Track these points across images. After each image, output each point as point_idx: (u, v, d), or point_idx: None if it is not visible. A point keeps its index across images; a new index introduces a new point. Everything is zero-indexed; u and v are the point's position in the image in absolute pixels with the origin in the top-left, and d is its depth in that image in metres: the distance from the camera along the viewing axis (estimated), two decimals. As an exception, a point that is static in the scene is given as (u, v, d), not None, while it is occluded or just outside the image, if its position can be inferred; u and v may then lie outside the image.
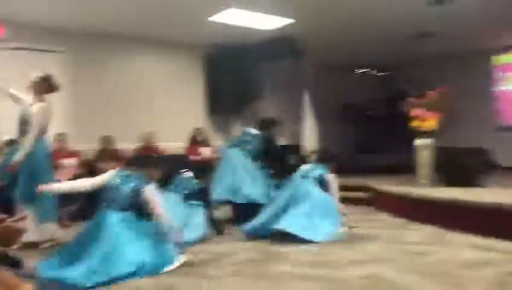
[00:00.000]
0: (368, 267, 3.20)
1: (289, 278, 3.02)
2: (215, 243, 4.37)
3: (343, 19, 7.34)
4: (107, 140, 7.15)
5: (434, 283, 2.78)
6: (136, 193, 3.64)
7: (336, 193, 4.76)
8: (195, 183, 4.94)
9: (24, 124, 4.63)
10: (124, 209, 3.60)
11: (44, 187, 3.95)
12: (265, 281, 2.98)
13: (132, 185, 3.68)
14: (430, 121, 5.97)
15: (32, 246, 4.45)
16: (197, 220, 4.57)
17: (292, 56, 8.09)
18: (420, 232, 4.44)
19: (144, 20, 7.03)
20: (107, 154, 7.02)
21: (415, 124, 6.05)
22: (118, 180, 3.73)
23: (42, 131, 4.65)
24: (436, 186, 5.79)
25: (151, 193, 3.68)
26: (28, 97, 4.76)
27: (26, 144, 4.47)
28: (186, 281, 3.09)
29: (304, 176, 4.79)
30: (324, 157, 5.07)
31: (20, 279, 0.72)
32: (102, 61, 7.73)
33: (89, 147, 7.03)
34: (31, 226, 4.45)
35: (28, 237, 4.35)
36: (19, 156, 4.45)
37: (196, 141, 7.92)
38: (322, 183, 4.75)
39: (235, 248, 4.10)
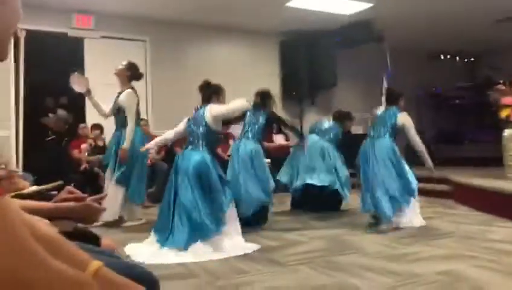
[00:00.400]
0: (446, 263, 3.03)
1: (360, 270, 2.94)
2: (288, 230, 4.37)
3: (425, 2, 6.95)
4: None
5: (520, 285, 2.57)
6: (208, 127, 3.87)
7: (415, 137, 4.50)
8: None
9: (118, 112, 4.94)
10: (199, 148, 3.84)
11: (144, 147, 4.39)
12: (334, 272, 2.92)
13: (204, 124, 3.91)
14: (521, 111, 5.52)
15: (116, 223, 4.74)
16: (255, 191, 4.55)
17: (371, 41, 7.81)
18: (507, 230, 4.14)
19: (221, 8, 7.12)
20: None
21: (504, 113, 5.62)
22: (193, 124, 3.99)
23: (137, 115, 4.96)
24: (526, 180, 5.36)
25: (216, 108, 3.92)
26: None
27: (129, 131, 4.79)
28: (257, 267, 3.12)
29: (376, 135, 4.61)
30: (392, 96, 4.75)
31: (92, 256, 0.74)
32: (181, 49, 7.94)
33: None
34: (120, 205, 4.78)
35: (113, 216, 4.70)
36: (126, 144, 4.77)
37: (270, 128, 7.93)
38: (396, 131, 4.55)
39: (308, 236, 4.08)
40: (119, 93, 4.97)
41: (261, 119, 4.87)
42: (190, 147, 3.93)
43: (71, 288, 0.57)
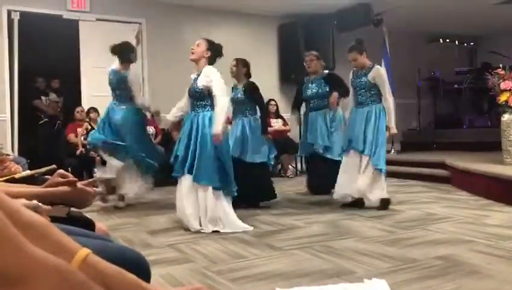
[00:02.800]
0: (443, 248, 3.03)
1: (357, 255, 2.92)
2: (285, 215, 4.36)
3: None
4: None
5: (518, 270, 2.57)
6: (206, 87, 3.90)
7: (387, 89, 4.60)
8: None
9: (118, 89, 4.93)
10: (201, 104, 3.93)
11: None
12: (331, 256, 2.91)
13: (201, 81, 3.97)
14: (520, 96, 5.47)
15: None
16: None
17: (369, 25, 7.73)
18: (504, 215, 4.13)
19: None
20: (180, 123, 7.21)
21: (503, 98, 5.57)
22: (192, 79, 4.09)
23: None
24: (524, 166, 5.34)
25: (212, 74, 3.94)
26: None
27: (140, 102, 4.96)
28: (254, 251, 3.10)
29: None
30: (359, 46, 4.82)
31: (83, 241, 0.72)
32: (178, 32, 7.84)
33: (164, 116, 7.25)
34: (128, 185, 4.89)
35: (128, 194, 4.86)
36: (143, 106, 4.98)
37: (268, 113, 7.89)
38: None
39: (305, 220, 4.07)
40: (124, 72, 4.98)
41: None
42: (195, 108, 3.98)
43: (53, 277, 0.53)
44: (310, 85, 5.65)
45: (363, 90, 4.65)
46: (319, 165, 5.39)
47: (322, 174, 5.28)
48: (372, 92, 4.62)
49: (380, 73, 4.64)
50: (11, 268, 0.50)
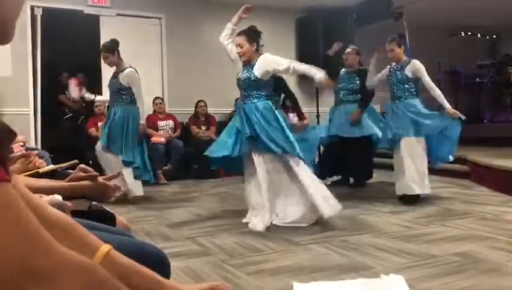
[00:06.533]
0: (462, 244, 3.01)
1: (375, 250, 2.92)
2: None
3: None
4: (200, 105, 7.36)
5: (538, 267, 2.54)
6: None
7: (428, 79, 4.86)
8: None
9: (118, 91, 4.95)
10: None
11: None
12: (348, 251, 2.91)
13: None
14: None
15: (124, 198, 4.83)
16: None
17: (389, 18, 7.65)
18: (525, 211, 4.07)
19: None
20: (200, 119, 7.28)
21: (526, 92, 5.48)
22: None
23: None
24: (547, 161, 5.24)
25: None
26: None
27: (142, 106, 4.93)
28: (271, 245, 3.13)
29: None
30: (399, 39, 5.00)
31: (104, 236, 0.74)
32: (197, 26, 7.87)
33: (183, 110, 7.33)
34: (127, 180, 4.84)
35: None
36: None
37: (285, 107, 7.88)
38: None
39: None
40: (121, 72, 4.95)
41: None
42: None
43: (76, 275, 0.56)
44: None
45: (400, 85, 4.80)
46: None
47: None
48: (407, 87, 4.74)
49: (418, 66, 4.78)
50: (40, 267, 0.52)
